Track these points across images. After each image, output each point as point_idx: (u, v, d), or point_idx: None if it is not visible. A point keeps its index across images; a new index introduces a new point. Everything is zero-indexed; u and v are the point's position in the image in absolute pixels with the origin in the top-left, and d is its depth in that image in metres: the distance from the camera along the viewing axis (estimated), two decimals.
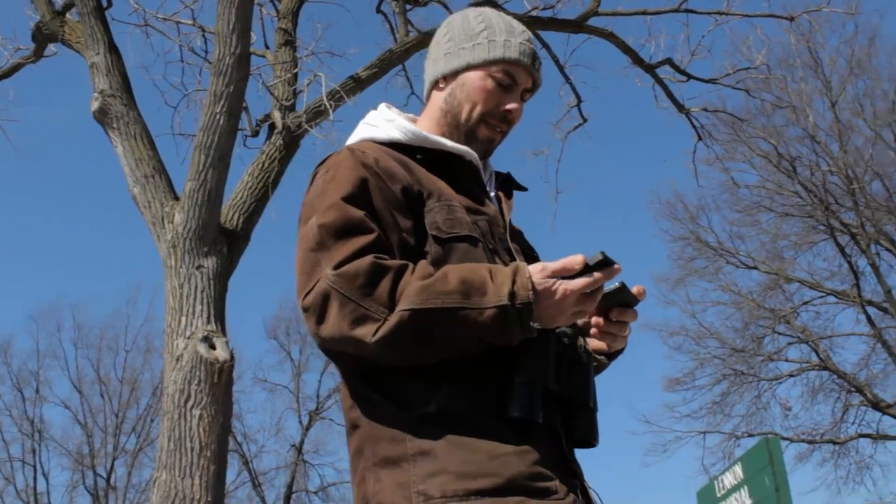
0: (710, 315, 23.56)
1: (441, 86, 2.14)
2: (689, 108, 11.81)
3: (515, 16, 10.35)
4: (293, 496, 29.45)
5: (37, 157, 42.96)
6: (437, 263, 1.83)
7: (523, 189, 2.24)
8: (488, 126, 2.10)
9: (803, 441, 22.27)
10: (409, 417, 1.76)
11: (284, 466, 30.01)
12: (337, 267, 1.74)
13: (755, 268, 22.83)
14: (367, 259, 1.74)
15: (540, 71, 2.15)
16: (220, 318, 7.07)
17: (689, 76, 11.55)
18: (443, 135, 2.10)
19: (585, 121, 12.21)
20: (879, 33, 30.36)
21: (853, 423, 21.96)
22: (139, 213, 7.51)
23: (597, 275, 1.75)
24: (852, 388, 21.66)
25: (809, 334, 22.00)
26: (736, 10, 11.51)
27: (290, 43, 9.67)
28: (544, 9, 10.65)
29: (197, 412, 6.55)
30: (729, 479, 6.67)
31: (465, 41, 2.12)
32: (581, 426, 1.89)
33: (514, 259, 1.97)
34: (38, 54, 9.75)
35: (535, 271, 1.75)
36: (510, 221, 2.09)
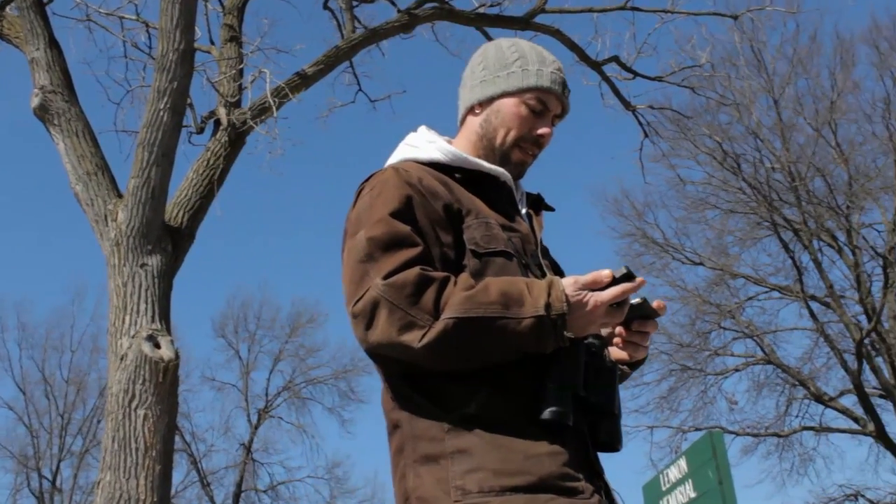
0: None
1: (477, 111, 2.29)
2: (635, 106, 11.91)
3: (462, 13, 10.37)
4: (242, 495, 29.24)
5: None
6: (475, 276, 1.97)
7: (551, 209, 2.39)
8: (521, 150, 2.25)
9: (748, 434, 22.59)
10: (449, 418, 1.89)
11: (233, 465, 29.78)
12: (386, 277, 1.87)
13: (701, 264, 23.09)
14: (415, 270, 1.88)
15: (568, 98, 2.30)
16: (164, 316, 7.00)
17: (636, 74, 11.64)
18: (479, 157, 2.25)
19: None
20: (820, 32, 30.93)
21: (797, 417, 22.33)
22: (82, 210, 7.41)
23: (624, 286, 1.92)
24: (796, 382, 22.00)
25: (754, 329, 22.30)
26: (681, 8, 11.65)
27: (235, 39, 9.59)
28: (491, 6, 10.67)
29: (142, 412, 6.48)
30: (674, 473, 6.75)
31: (500, 70, 2.27)
32: (606, 431, 2.01)
33: (544, 274, 2.11)
34: None
35: (568, 284, 1.90)
36: (541, 239, 2.25)
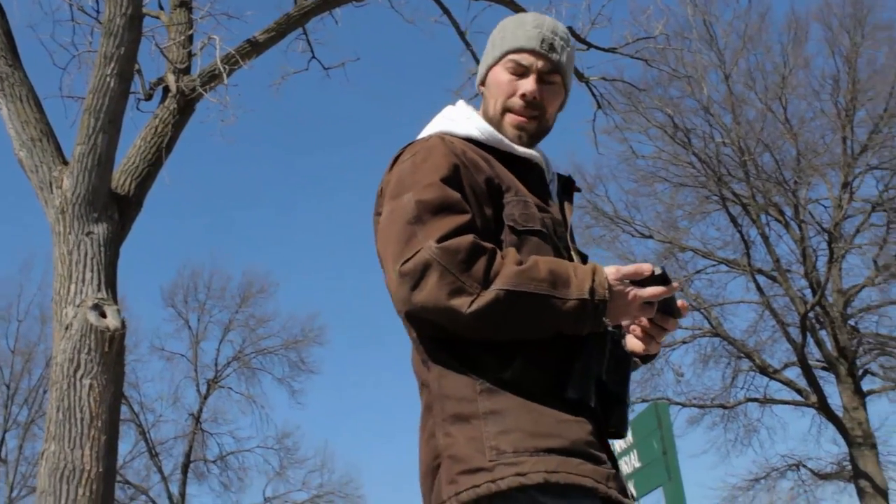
0: None
1: (482, 93, 2.37)
2: (588, 77, 11.91)
3: None
4: (191, 465, 29.12)
5: None
6: None
7: (579, 190, 2.44)
8: (513, 114, 2.27)
9: (695, 406, 22.94)
10: (482, 381, 1.93)
11: (182, 436, 29.64)
12: (440, 240, 1.89)
13: (650, 237, 23.30)
14: (469, 237, 1.91)
15: (554, 52, 2.29)
16: (111, 285, 6.91)
17: (589, 45, 11.63)
18: None
19: None
20: (771, 9, 31.19)
21: (742, 388, 22.72)
22: (27, 177, 7.28)
23: (662, 288, 2.00)
24: (741, 355, 22.35)
25: (702, 302, 22.57)
26: None
27: (185, 4, 9.45)
28: None
29: (87, 382, 6.41)
30: (620, 444, 6.83)
31: (490, 49, 2.35)
32: (616, 417, 2.06)
33: (571, 258, 2.17)
34: None
35: (611, 272, 1.97)
36: (571, 224, 2.28)
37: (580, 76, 11.77)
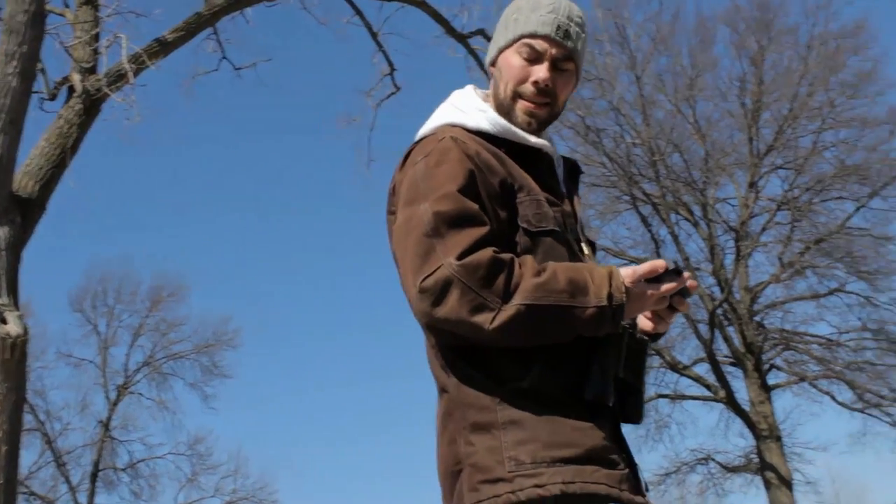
0: None
1: (492, 74, 2.32)
2: None
3: None
4: (100, 474, 28.47)
5: None
6: (525, 254, 2.03)
7: (583, 172, 2.49)
8: (524, 100, 2.22)
9: None
10: (501, 390, 1.97)
11: (91, 444, 28.93)
12: (460, 257, 1.90)
13: None
14: (488, 252, 1.92)
15: (569, 39, 2.23)
16: (12, 290, 6.71)
17: None
18: None
19: (398, 89, 12.24)
20: (682, 11, 31.77)
21: (653, 385, 23.06)
22: None
23: (675, 283, 2.06)
24: (652, 351, 22.73)
25: None
26: None
27: (91, 1, 9.23)
28: None
29: None
30: None
31: (503, 29, 2.29)
32: (632, 406, 2.12)
33: (582, 251, 2.21)
34: None
35: (627, 275, 2.01)
36: (581, 216, 2.29)
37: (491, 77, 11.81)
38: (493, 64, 2.31)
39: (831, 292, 23.19)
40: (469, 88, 2.34)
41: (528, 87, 2.21)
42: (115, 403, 29.38)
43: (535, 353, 1.97)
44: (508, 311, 1.89)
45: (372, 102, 12.34)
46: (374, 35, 11.51)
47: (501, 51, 2.28)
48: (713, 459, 23.61)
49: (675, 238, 22.36)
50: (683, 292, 2.16)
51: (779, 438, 21.65)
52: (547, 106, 2.25)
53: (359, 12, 11.16)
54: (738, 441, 23.51)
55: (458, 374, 2.02)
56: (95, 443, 28.74)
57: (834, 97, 22.22)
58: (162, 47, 8.83)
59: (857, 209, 22.54)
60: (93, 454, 28.65)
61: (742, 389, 22.41)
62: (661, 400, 23.19)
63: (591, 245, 2.34)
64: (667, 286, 2.05)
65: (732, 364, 22.75)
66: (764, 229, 23.10)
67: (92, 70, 8.47)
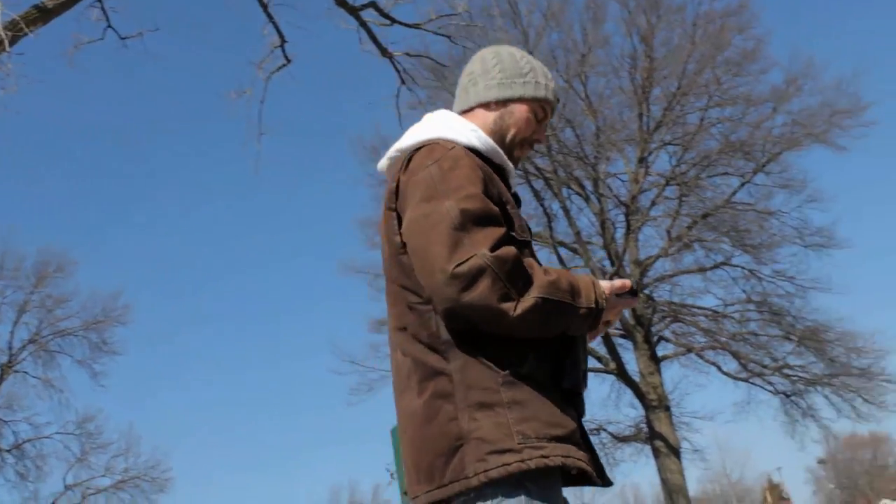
0: None
1: (492, 108, 2.65)
2: (392, 52, 11.89)
3: None
4: None
5: None
6: None
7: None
8: (521, 148, 2.66)
9: None
10: (502, 374, 2.23)
11: None
12: (493, 249, 2.17)
13: None
14: (513, 249, 2.21)
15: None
16: None
17: (394, 20, 11.62)
18: None
19: (289, 61, 12.06)
20: None
21: None
22: None
23: (636, 299, 2.50)
24: None
25: None
26: None
27: None
28: None
29: None
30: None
31: (516, 77, 2.66)
32: (582, 401, 2.41)
33: (534, 255, 2.46)
34: None
35: (606, 287, 2.37)
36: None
37: (384, 51, 11.72)
38: (503, 104, 2.64)
39: (717, 265, 23.87)
40: (444, 111, 2.70)
41: (529, 140, 2.66)
42: None
43: (529, 345, 2.26)
44: (528, 301, 2.17)
45: (263, 74, 12.11)
46: (264, 6, 11.28)
47: (517, 100, 2.63)
48: (605, 430, 24.10)
49: (567, 212, 22.65)
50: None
51: (667, 408, 22.21)
52: (527, 154, 2.74)
53: None
54: (628, 411, 24.16)
55: (462, 359, 2.26)
56: None
57: (720, 75, 22.71)
58: (42, 14, 8.48)
59: (742, 185, 23.17)
60: None
61: (632, 361, 22.93)
62: None
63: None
64: (628, 301, 2.45)
65: (623, 336, 23.22)
66: (653, 204, 23.57)
67: None
